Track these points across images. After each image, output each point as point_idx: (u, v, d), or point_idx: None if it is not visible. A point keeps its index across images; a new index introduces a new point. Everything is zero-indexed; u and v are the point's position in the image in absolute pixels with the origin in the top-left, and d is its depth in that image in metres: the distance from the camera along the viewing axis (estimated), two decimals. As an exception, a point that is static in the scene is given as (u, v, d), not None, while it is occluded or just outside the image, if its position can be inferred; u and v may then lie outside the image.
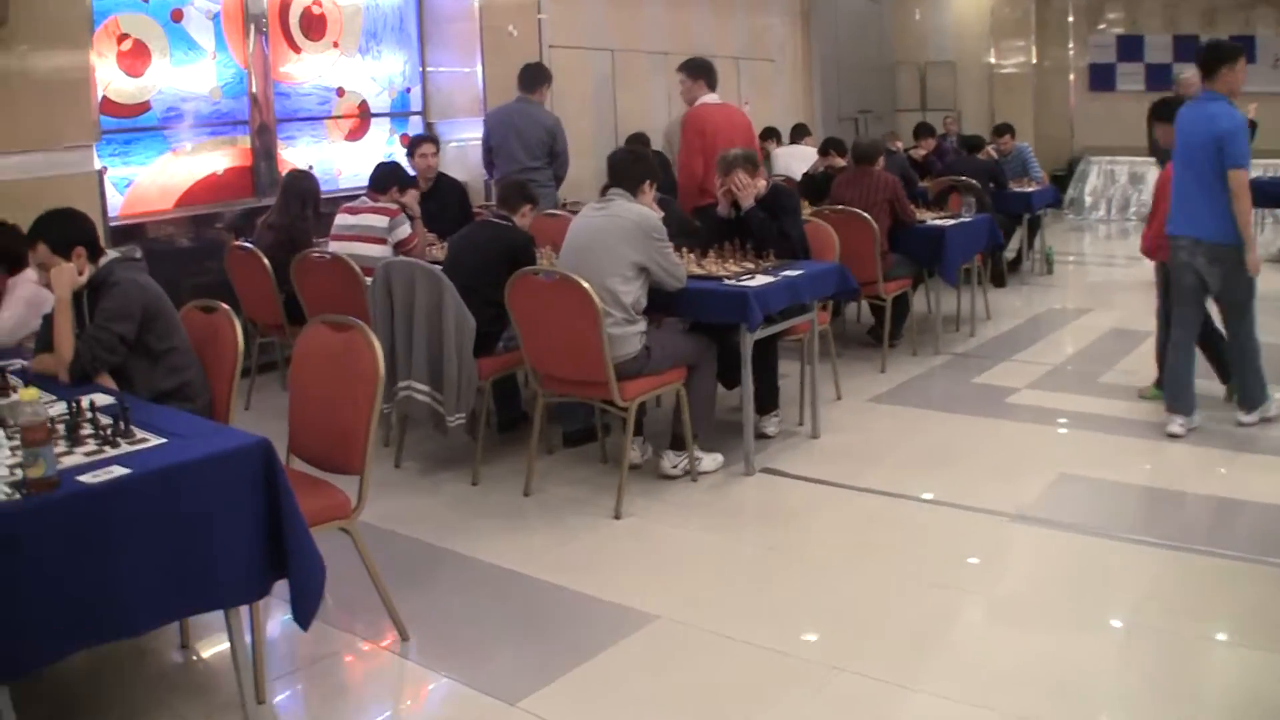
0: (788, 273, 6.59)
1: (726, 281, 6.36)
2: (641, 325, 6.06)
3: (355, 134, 10.74)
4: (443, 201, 8.91)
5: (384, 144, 10.99)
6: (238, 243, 8.18)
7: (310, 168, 9.84)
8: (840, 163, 10.59)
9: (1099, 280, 13.12)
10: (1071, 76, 21.67)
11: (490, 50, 10.96)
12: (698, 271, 6.57)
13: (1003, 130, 13.34)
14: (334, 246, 7.69)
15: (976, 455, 6.88)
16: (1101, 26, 21.77)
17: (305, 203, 8.20)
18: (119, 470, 3.39)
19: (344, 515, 4.41)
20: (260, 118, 9.69)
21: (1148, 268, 11.07)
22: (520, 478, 6.41)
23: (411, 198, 7.98)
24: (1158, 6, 21.30)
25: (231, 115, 9.55)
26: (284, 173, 9.25)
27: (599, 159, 11.80)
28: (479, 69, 10.98)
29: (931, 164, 12.96)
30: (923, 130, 13.55)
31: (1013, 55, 21.04)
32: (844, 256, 7.62)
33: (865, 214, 8.44)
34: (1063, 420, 7.45)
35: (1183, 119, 6.91)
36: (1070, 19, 21.62)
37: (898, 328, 9.06)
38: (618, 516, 5.92)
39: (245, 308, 8.20)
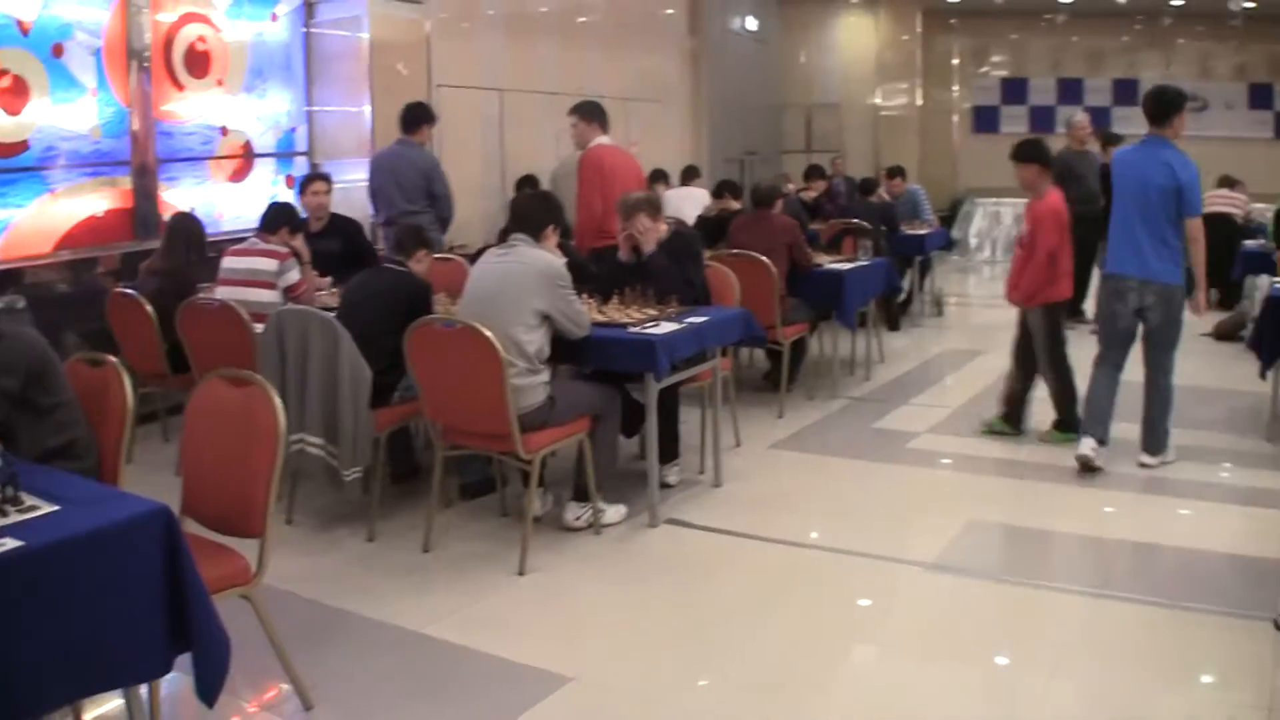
0: (693, 319, 6.51)
1: (631, 329, 6.26)
2: (545, 375, 5.95)
3: (239, 175, 10.47)
4: (340, 240, 8.67)
5: (268, 185, 10.73)
6: (120, 289, 7.90)
7: (192, 210, 9.54)
8: (735, 205, 10.57)
9: (987, 321, 13.15)
10: (955, 118, 21.99)
11: (379, 90, 10.76)
12: (600, 318, 6.47)
13: (894, 173, 13.45)
14: (221, 291, 7.46)
15: (883, 503, 6.86)
16: (985, 69, 22.12)
17: (190, 246, 7.91)
18: (11, 543, 3.16)
19: (244, 581, 4.23)
20: (141, 158, 9.37)
21: None
22: (418, 532, 6.23)
23: (301, 241, 7.75)
24: (1043, 50, 21.73)
25: (112, 155, 9.21)
26: (166, 215, 8.98)
27: (487, 200, 11.74)
28: (367, 108, 10.78)
29: (822, 206, 13.00)
30: (814, 172, 13.61)
31: (898, 97, 21.33)
32: (743, 301, 7.58)
33: (764, 258, 8.39)
34: (966, 465, 7.47)
35: (1131, 163, 7.04)
36: (955, 61, 21.93)
37: (794, 372, 9.02)
38: (522, 573, 5.76)
39: (127, 356, 7.87)
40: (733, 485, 7.09)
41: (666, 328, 6.28)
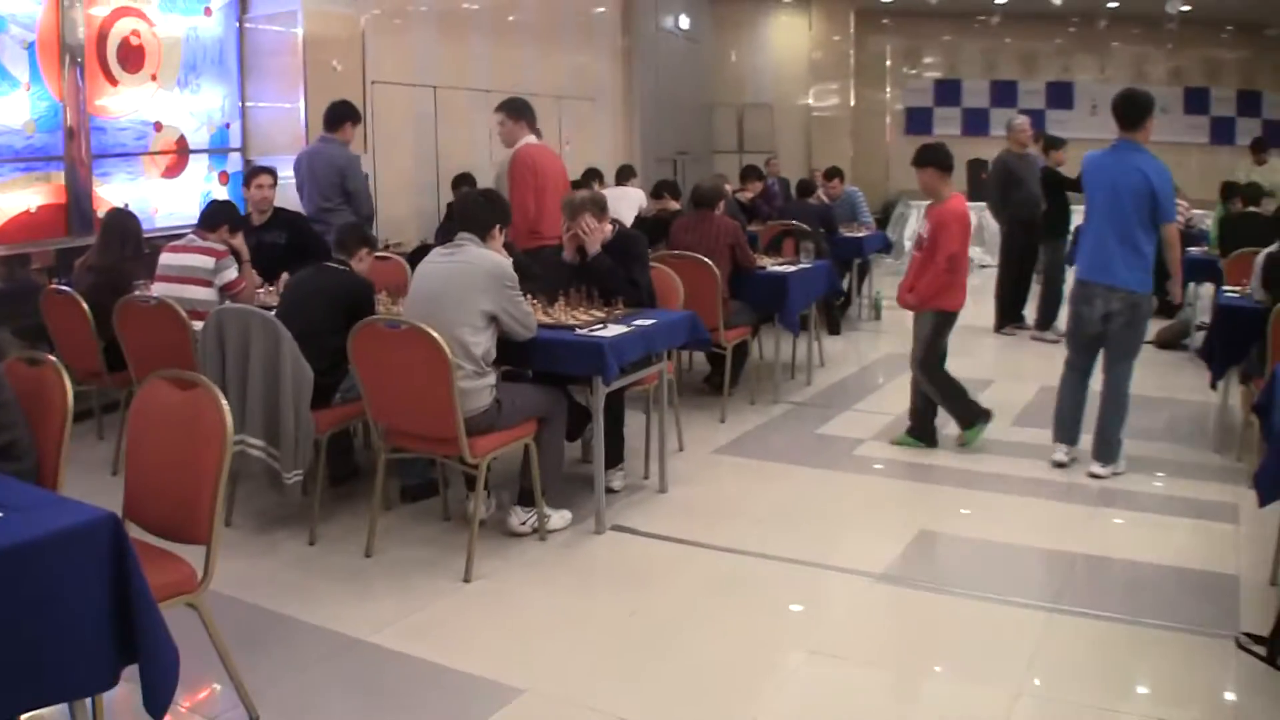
0: (640, 322, 6.45)
1: (579, 331, 6.19)
2: (492, 378, 5.87)
3: (173, 171, 10.29)
4: (285, 233, 8.57)
5: (202, 181, 10.57)
6: (54, 285, 7.75)
7: (126, 205, 9.47)
8: (674, 206, 10.53)
9: (925, 325, 13.23)
10: (888, 119, 22.04)
11: (313, 85, 10.62)
12: (547, 320, 6.39)
13: (833, 174, 13.44)
14: (157, 288, 7.34)
15: (831, 511, 6.83)
16: (918, 70, 22.17)
17: (126, 242, 7.78)
18: (-46, 552, 3.05)
19: (190, 589, 4.12)
20: (75, 153, 9.20)
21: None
22: (360, 536, 6.14)
23: (240, 240, 7.62)
24: (976, 52, 21.79)
25: (45, 150, 9.03)
26: (101, 211, 8.89)
27: (421, 197, 11.64)
28: (301, 104, 10.63)
29: (759, 207, 12.97)
30: (750, 173, 13.53)
31: (830, 97, 21.35)
32: (686, 303, 7.56)
33: (707, 260, 8.34)
34: (913, 473, 7.46)
35: (1103, 168, 7.03)
36: (888, 63, 21.96)
37: (736, 375, 8.96)
38: (468, 579, 5.68)
39: (62, 353, 7.70)
40: (678, 490, 7.03)
41: (614, 330, 6.21)
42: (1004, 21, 21.20)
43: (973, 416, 7.81)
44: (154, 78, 9.97)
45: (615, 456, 6.94)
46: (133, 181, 9.88)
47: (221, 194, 10.49)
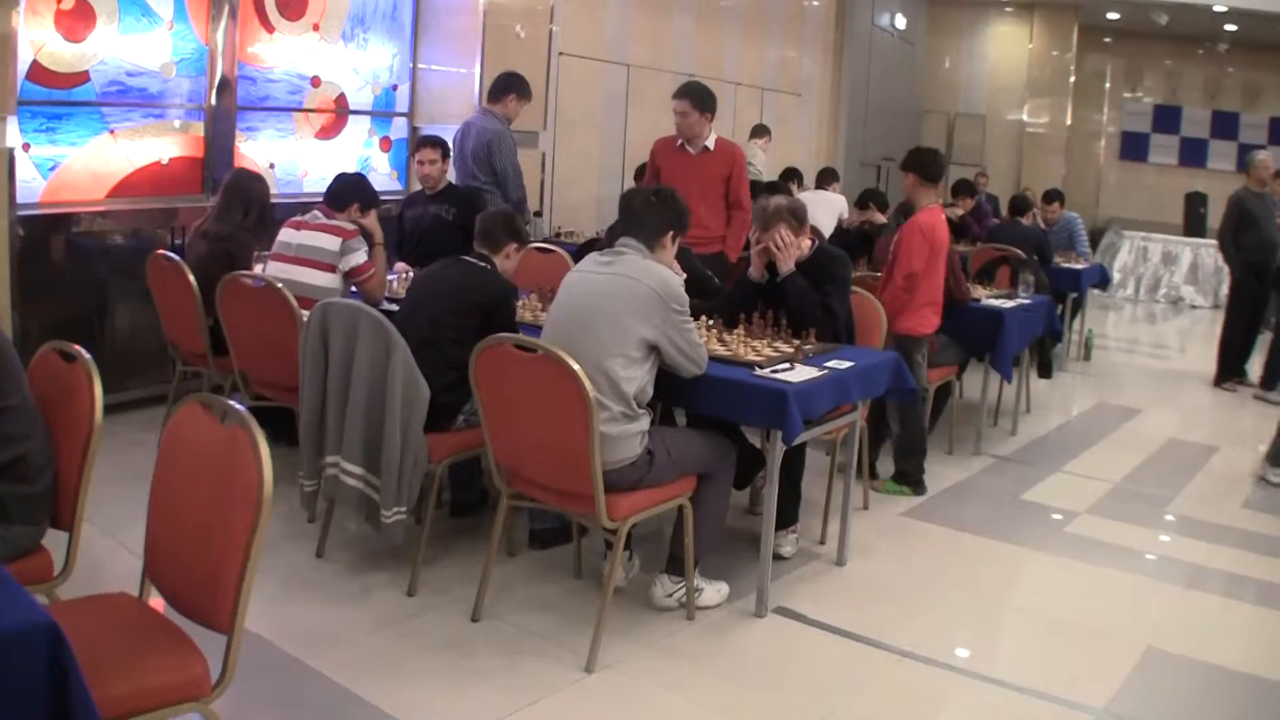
0: (834, 363, 5.14)
1: (758, 372, 4.86)
2: (644, 422, 4.59)
3: (329, 131, 9.26)
4: (456, 207, 7.56)
5: (361, 146, 9.55)
6: (162, 252, 6.62)
7: (272, 166, 8.60)
8: (880, 219, 9.11)
9: (1141, 372, 11.68)
10: (1102, 142, 20.38)
11: (492, 51, 9.48)
12: (720, 352, 5.10)
13: (1053, 197, 11.87)
14: (272, 268, 6.24)
15: (1038, 609, 5.44)
16: (1138, 94, 20.44)
17: (249, 209, 6.66)
18: None
19: (198, 695, 2.98)
20: (219, 102, 8.19)
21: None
22: (470, 589, 4.92)
23: (373, 220, 6.45)
24: (1199, 79, 20.03)
25: (185, 97, 8.04)
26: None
27: (602, 182, 10.45)
28: (477, 70, 9.48)
29: (968, 227, 11.45)
30: (962, 188, 11.93)
31: (1046, 114, 19.65)
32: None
33: (916, 289, 6.98)
34: (1138, 564, 6.03)
35: None
36: (1107, 84, 20.28)
37: (934, 419, 7.54)
38: (590, 669, 4.43)
39: (167, 329, 6.79)
40: (858, 564, 5.70)
41: (802, 374, 4.89)
42: (1230, 49, 19.48)
43: (912, 480, 6.84)
44: (316, 28, 8.95)
45: (789, 516, 5.66)
46: (282, 139, 8.88)
47: (383, 162, 9.41)
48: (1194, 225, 17.03)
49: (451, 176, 8.02)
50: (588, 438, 4.26)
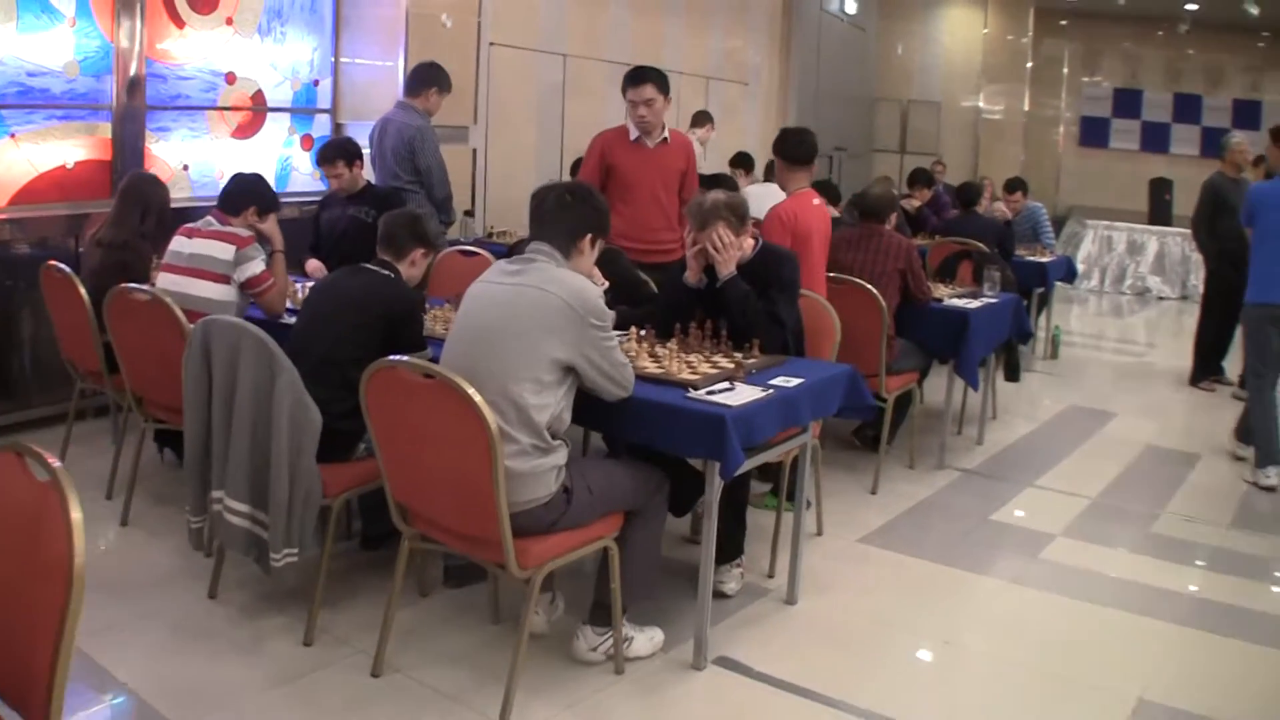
0: (781, 380, 4.52)
1: (693, 394, 4.23)
2: (559, 455, 3.97)
3: (246, 130, 8.64)
4: (376, 208, 6.82)
5: (281, 144, 8.94)
6: (53, 263, 5.99)
7: (186, 167, 8.04)
8: (833, 213, 8.49)
9: (1111, 370, 11.10)
10: (1061, 128, 19.90)
11: (417, 42, 8.85)
12: (651, 370, 4.49)
13: (1015, 186, 11.27)
14: (163, 280, 5.60)
15: (1013, 655, 4.79)
16: (1097, 78, 19.95)
17: (146, 214, 6.06)
18: None
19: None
20: (128, 102, 7.61)
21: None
22: (372, 636, 4.31)
23: (273, 225, 5.81)
24: (1159, 61, 19.55)
25: (90, 97, 7.46)
26: (152, 172, 7.26)
27: (539, 177, 9.83)
28: (401, 63, 8.85)
29: (925, 218, 10.87)
30: (919, 177, 11.32)
31: (1002, 100, 19.13)
32: (842, 342, 5.61)
33: (870, 287, 6.40)
34: (1122, 594, 5.42)
35: (1269, 194, 7.18)
36: (1065, 68, 19.78)
37: (894, 429, 6.95)
38: (502, 735, 3.81)
39: (62, 345, 6.21)
40: (810, 602, 5.08)
41: (744, 394, 4.27)
42: (1191, 31, 19.09)
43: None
44: (229, 22, 8.34)
45: (732, 550, 5.07)
46: (196, 140, 8.27)
47: (304, 161, 8.80)
48: (1159, 213, 16.56)
49: (371, 176, 7.45)
50: (491, 476, 3.66)
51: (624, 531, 4.21)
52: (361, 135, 8.42)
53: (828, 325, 5.58)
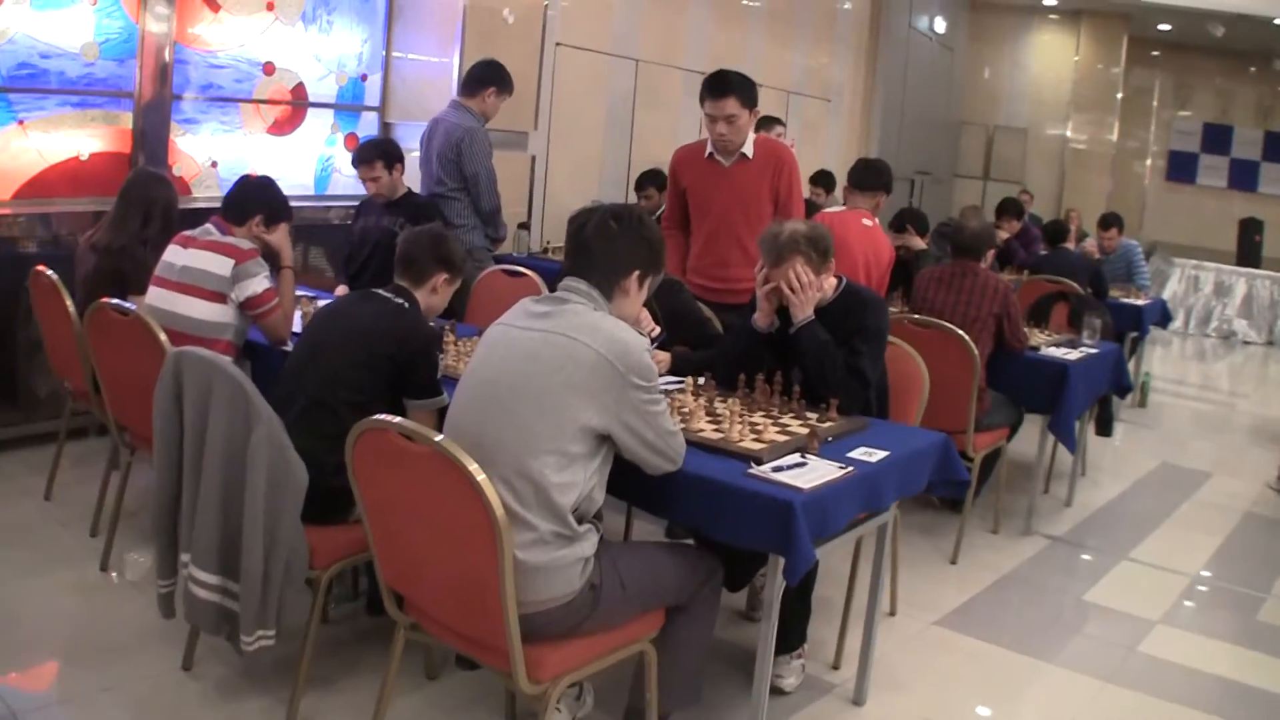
0: (862, 452, 3.66)
1: (755, 470, 3.37)
2: (587, 544, 3.13)
3: (284, 126, 7.87)
4: (411, 219, 6.12)
5: (323, 143, 8.17)
6: (42, 267, 5.24)
7: (214, 164, 7.27)
8: (919, 244, 7.60)
9: (1202, 423, 10.14)
10: (1149, 161, 18.86)
11: (475, 38, 8.04)
12: (706, 435, 3.65)
13: (1110, 222, 10.33)
14: (151, 295, 4.82)
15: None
16: (1186, 111, 18.92)
17: (150, 218, 5.31)
18: None
19: None
20: (151, 91, 6.85)
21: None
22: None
23: (282, 236, 5.01)
24: (1251, 98, 18.51)
25: (111, 83, 6.71)
26: (177, 167, 6.84)
27: (604, 190, 9.12)
28: (456, 60, 8.06)
29: (1014, 252, 9.94)
30: (1008, 207, 10.31)
31: (1090, 129, 18.10)
32: (930, 398, 4.77)
33: (962, 334, 5.53)
34: (1232, 702, 4.53)
35: None
36: (1155, 101, 18.75)
37: (979, 490, 6.06)
38: None
39: (52, 359, 5.47)
40: (880, 701, 4.24)
41: (818, 472, 3.41)
42: (1285, 66, 17.98)
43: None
44: (270, 7, 7.58)
45: (794, 638, 4.22)
46: (227, 134, 7.50)
47: (347, 163, 7.99)
48: (1248, 253, 15.56)
49: (418, 183, 6.77)
50: (496, 571, 2.83)
51: (665, 630, 3.39)
52: (412, 137, 7.68)
53: (915, 378, 4.74)
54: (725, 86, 5.46)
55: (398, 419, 3.02)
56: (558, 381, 3.02)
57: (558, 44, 8.82)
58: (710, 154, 5.69)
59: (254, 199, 4.96)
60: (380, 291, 4.04)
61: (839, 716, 4.13)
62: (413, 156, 6.89)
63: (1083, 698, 4.45)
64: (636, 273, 3.31)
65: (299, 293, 5.63)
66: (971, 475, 5.62)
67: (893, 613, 5.02)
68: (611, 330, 3.10)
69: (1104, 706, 4.40)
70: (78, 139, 6.60)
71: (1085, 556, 6.07)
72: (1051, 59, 18.35)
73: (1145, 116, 19.26)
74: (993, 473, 6.26)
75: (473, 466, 2.79)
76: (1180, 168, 19.28)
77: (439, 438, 2.88)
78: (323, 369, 3.82)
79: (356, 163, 6.33)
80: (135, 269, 5.10)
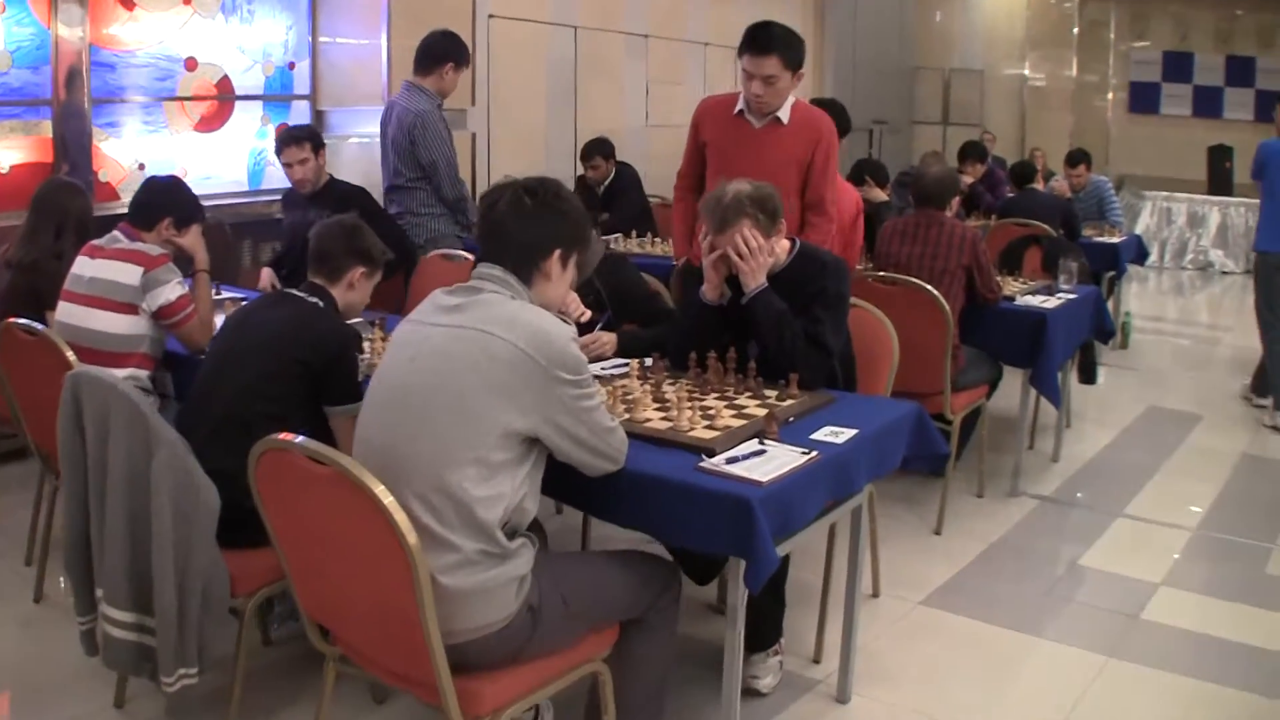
0: (827, 434, 3.32)
1: (707, 464, 3.02)
2: (521, 562, 2.78)
3: (212, 122, 7.54)
4: (334, 211, 5.69)
5: (254, 136, 7.83)
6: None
7: (142, 166, 6.93)
8: (881, 196, 7.25)
9: (1186, 360, 9.80)
10: (1110, 95, 18.49)
11: (401, 18, 7.68)
12: (654, 423, 3.31)
13: (1078, 159, 9.95)
14: (60, 311, 4.47)
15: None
16: (1145, 42, 18.54)
17: (62, 230, 4.91)
18: None
19: None
20: (69, 96, 6.55)
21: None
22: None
23: (195, 238, 4.64)
24: (1210, 22, 18.11)
25: (26, 91, 6.44)
26: (103, 173, 6.67)
27: (551, 163, 8.79)
28: (384, 41, 7.71)
29: (980, 197, 9.59)
30: (971, 151, 9.95)
31: (1048, 66, 17.73)
32: (901, 359, 4.39)
33: (931, 289, 5.20)
34: (1246, 670, 4.20)
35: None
36: (1111, 33, 18.37)
37: (959, 451, 5.72)
38: None
39: None
40: (866, 696, 3.92)
41: (778, 460, 3.06)
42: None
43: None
44: (187, 1, 7.23)
45: (769, 633, 3.91)
46: (153, 134, 7.20)
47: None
48: (1219, 182, 15.22)
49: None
50: (414, 601, 2.48)
51: (619, 647, 3.04)
52: (346, 124, 7.34)
53: (884, 342, 4.38)
54: (768, 42, 4.76)
55: (299, 438, 2.66)
56: (473, 382, 2.66)
57: (490, 15, 8.44)
58: (740, 111, 5.02)
59: (161, 201, 4.59)
60: (294, 292, 3.71)
61: (823, 717, 3.81)
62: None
63: (1085, 676, 4.11)
64: (558, 252, 2.94)
65: (232, 294, 5.36)
66: (951, 440, 5.33)
67: (875, 594, 4.69)
68: (530, 320, 2.74)
69: (1108, 684, 4.06)
70: (-2, 152, 6.33)
71: (1077, 516, 5.75)
72: (1002, -3, 18.00)
73: (1103, 49, 18.83)
74: (973, 433, 5.92)
75: (379, 489, 2.44)
76: (1142, 99, 18.87)
77: (342, 458, 2.53)
78: (234, 381, 3.49)
79: (286, 142, 5.87)
80: (50, 284, 4.70)
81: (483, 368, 2.67)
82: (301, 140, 5.86)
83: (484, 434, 2.65)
